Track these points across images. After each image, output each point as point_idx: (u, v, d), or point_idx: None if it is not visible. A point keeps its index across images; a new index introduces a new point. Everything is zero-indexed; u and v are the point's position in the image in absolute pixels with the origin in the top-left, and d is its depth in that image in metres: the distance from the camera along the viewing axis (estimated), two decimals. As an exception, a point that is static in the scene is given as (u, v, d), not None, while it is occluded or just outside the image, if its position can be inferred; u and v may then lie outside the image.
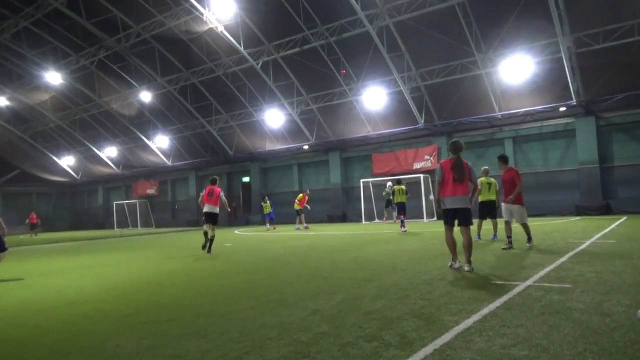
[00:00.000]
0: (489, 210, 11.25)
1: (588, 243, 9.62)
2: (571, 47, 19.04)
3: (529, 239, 9.27)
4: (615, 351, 3.24)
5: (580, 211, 20.65)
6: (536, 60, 20.16)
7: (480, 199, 11.11)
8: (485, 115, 23.22)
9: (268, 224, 23.57)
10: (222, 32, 24.16)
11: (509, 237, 9.27)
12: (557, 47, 19.23)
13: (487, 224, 11.77)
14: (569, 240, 10.45)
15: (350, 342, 3.74)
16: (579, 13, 18.54)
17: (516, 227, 9.71)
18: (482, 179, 11.12)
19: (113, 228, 38.71)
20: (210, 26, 24.22)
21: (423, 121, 24.17)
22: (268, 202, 23.92)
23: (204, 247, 11.94)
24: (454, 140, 7.37)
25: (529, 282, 5.72)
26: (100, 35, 27.07)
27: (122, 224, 38.32)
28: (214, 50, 26.76)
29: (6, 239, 9.49)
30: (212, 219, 11.96)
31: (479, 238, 11.35)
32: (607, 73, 19.49)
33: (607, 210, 20.13)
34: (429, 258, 8.66)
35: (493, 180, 11.35)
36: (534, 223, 16.96)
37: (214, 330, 4.37)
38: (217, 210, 12.05)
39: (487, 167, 11.56)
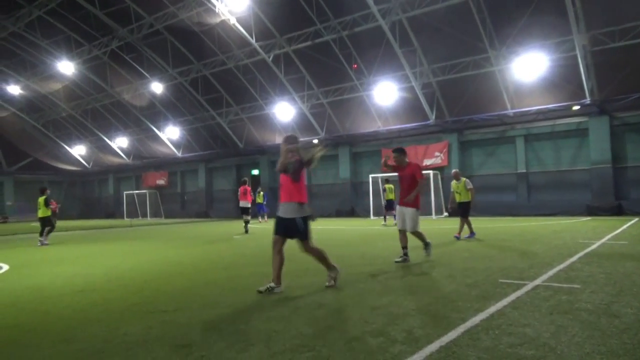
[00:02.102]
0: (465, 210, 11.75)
1: (598, 243, 9.52)
2: (586, 45, 18.78)
3: (426, 245, 8.04)
4: (623, 353, 3.20)
5: (591, 211, 20.44)
6: (550, 57, 19.91)
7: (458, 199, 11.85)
8: (497, 113, 23.03)
9: (260, 217, 23.27)
10: (234, 24, 24.15)
11: (404, 247, 7.83)
12: (571, 44, 18.98)
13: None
14: (579, 240, 10.35)
15: (356, 336, 3.74)
16: (595, 10, 18.26)
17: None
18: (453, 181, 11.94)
19: (123, 217, 39.03)
20: (222, 18, 24.22)
21: (434, 117, 24.03)
22: (261, 192, 23.74)
23: (246, 232, 16.39)
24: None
25: (537, 282, 5.68)
26: (113, 25, 27.18)
27: (132, 214, 38.61)
28: (226, 42, 26.76)
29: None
30: (245, 211, 16.91)
31: (473, 235, 11.63)
32: (622, 72, 19.21)
33: (618, 210, 19.91)
34: (436, 255, 8.62)
35: (463, 179, 11.94)
36: (543, 222, 16.91)
37: (220, 321, 4.40)
38: (248, 204, 17.16)
39: (456, 170, 12.30)
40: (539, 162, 23.03)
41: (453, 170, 12.39)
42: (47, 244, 14.38)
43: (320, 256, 5.79)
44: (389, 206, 18.87)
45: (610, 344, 3.37)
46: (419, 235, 7.89)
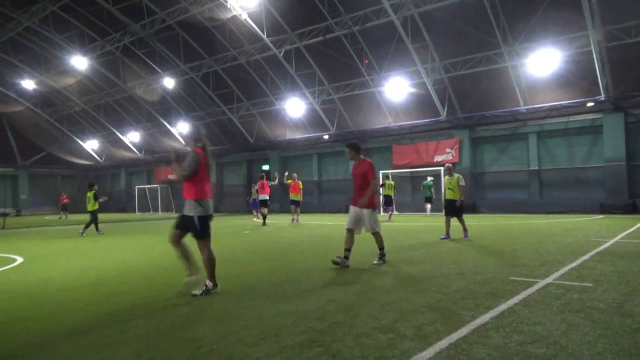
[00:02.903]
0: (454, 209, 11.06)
1: (611, 242, 9.41)
2: (601, 41, 18.49)
3: (381, 254, 7.41)
4: (636, 352, 3.17)
5: (604, 209, 20.19)
6: (564, 53, 19.65)
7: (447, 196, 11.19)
8: (509, 109, 22.79)
9: (255, 211, 22.80)
10: (245, 19, 24.17)
11: (347, 249, 7.20)
12: (586, 40, 18.70)
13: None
14: (592, 238, 10.23)
15: (365, 332, 3.74)
16: (611, 5, 17.95)
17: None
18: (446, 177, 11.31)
19: (134, 212, 39.38)
20: (234, 13, 24.24)
21: (445, 113, 23.86)
22: (256, 188, 22.96)
23: (264, 224, 17.55)
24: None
25: (549, 280, 5.63)
26: (126, 20, 27.35)
27: (143, 208, 38.93)
28: (237, 38, 26.79)
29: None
30: (264, 204, 18.27)
31: (447, 237, 10.73)
32: (638, 68, 18.89)
33: (632, 209, 19.63)
34: (446, 251, 8.60)
35: (456, 175, 11.18)
36: (555, 220, 16.75)
37: (230, 315, 4.43)
38: (267, 197, 18.38)
39: (449, 165, 11.60)
40: (552, 159, 22.79)
41: (445, 165, 11.73)
42: (101, 233, 15.83)
43: (207, 262, 5.44)
44: (387, 202, 20.06)
45: (623, 344, 3.34)
46: (378, 237, 7.36)
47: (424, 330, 3.75)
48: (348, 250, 7.20)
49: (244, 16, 23.98)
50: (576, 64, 19.89)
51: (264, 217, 18.30)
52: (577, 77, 20.31)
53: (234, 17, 24.72)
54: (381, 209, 19.87)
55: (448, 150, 25.22)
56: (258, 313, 4.46)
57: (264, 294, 5.34)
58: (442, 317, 4.12)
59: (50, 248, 11.65)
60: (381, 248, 7.42)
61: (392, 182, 20.66)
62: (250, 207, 24.41)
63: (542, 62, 20.00)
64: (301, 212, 19.60)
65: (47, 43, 31.79)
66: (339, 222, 18.81)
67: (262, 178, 18.68)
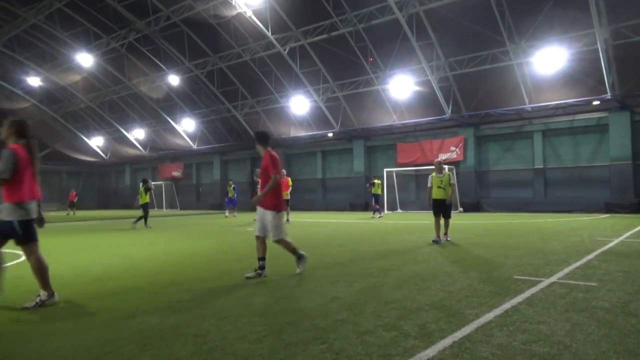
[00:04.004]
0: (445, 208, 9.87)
1: (616, 241, 9.37)
2: (608, 39, 18.38)
3: (299, 258, 6.41)
4: (640, 352, 3.16)
5: (609, 208, 20.10)
6: (570, 51, 19.54)
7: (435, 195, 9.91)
8: (515, 107, 22.71)
9: (227, 211, 22.61)
10: (250, 16, 24.17)
11: (260, 258, 6.24)
12: (593, 38, 18.59)
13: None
14: (597, 237, 10.18)
15: (369, 330, 3.74)
16: (618, 3, 17.85)
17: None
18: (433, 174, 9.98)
19: (139, 208, 39.52)
20: (239, 11, 24.24)
21: (450, 111, 23.79)
22: (232, 186, 22.73)
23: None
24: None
25: (553, 279, 5.62)
26: (131, 17, 27.39)
27: (148, 205, 39.06)
28: (242, 35, 26.80)
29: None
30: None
31: (439, 240, 9.72)
32: (645, 66, 18.80)
33: (638, 208, 19.55)
34: (450, 250, 8.58)
35: (447, 172, 10.13)
36: (560, 219, 16.69)
37: (234, 311, 4.44)
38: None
39: (439, 160, 10.40)
40: (557, 158, 22.70)
41: (436, 160, 10.31)
42: (150, 227, 16.65)
43: (36, 269, 4.90)
44: (376, 201, 20.90)
45: (627, 343, 3.33)
46: (285, 244, 6.32)
47: (428, 328, 3.75)
48: (261, 259, 6.21)
49: (249, 13, 23.99)
50: (582, 62, 19.79)
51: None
52: (583, 75, 20.21)
53: (239, 14, 24.72)
54: (374, 210, 20.71)
55: (452, 148, 25.16)
56: (262, 310, 4.47)
57: (267, 291, 5.35)
58: (446, 315, 4.12)
59: (55, 244, 11.71)
60: (295, 254, 6.39)
61: (380, 181, 21.32)
62: (225, 205, 23.84)
63: (548, 60, 19.91)
64: (305, 210, 19.65)
65: (53, 40, 31.91)
66: (343, 220, 18.83)
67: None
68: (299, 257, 6.39)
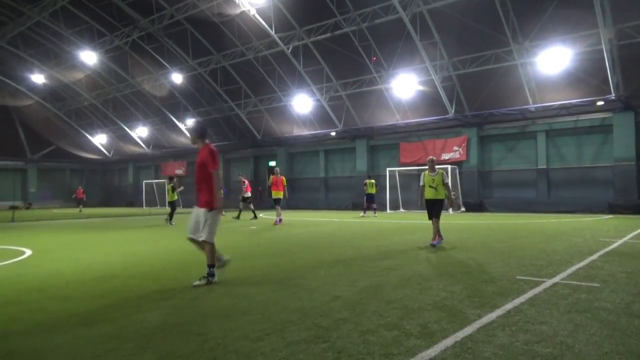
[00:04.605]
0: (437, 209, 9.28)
1: (620, 242, 9.34)
2: (612, 39, 18.30)
3: (209, 273, 5.70)
4: (643, 354, 3.15)
5: (613, 209, 20.03)
6: (574, 51, 19.47)
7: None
8: (518, 107, 22.64)
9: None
10: (253, 15, 24.16)
11: (210, 265, 5.70)
12: (597, 38, 18.52)
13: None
14: (600, 238, 10.16)
15: (371, 329, 3.74)
16: (623, 3, 17.76)
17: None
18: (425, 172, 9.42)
19: (142, 206, 39.59)
20: (242, 9, 24.24)
21: (453, 111, 23.74)
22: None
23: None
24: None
25: (556, 279, 5.61)
26: (134, 15, 27.45)
27: (151, 203, 39.12)
28: (245, 34, 26.80)
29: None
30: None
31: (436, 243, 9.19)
32: (650, 67, 18.72)
33: (641, 209, 19.49)
34: (452, 250, 8.57)
35: (440, 171, 9.39)
36: (563, 219, 16.65)
37: (236, 310, 4.45)
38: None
39: (432, 158, 9.59)
40: (561, 158, 22.63)
41: (428, 158, 9.56)
42: (172, 224, 16.74)
43: None
44: (370, 199, 20.84)
45: (630, 344, 3.32)
46: (208, 249, 5.68)
47: (430, 328, 3.75)
48: (211, 265, 5.71)
49: (253, 12, 23.98)
50: (586, 62, 19.71)
51: (245, 212, 19.58)
52: (587, 75, 20.13)
53: (243, 12, 24.72)
54: (365, 209, 20.98)
55: (456, 148, 25.12)
56: (264, 308, 4.48)
57: (270, 290, 5.36)
58: (448, 315, 4.11)
59: (58, 241, 11.75)
60: (211, 265, 5.70)
61: (373, 181, 21.27)
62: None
63: (552, 60, 19.84)
64: (308, 209, 19.66)
65: (57, 38, 32.00)
66: (345, 220, 18.83)
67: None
68: (210, 275, 5.68)
